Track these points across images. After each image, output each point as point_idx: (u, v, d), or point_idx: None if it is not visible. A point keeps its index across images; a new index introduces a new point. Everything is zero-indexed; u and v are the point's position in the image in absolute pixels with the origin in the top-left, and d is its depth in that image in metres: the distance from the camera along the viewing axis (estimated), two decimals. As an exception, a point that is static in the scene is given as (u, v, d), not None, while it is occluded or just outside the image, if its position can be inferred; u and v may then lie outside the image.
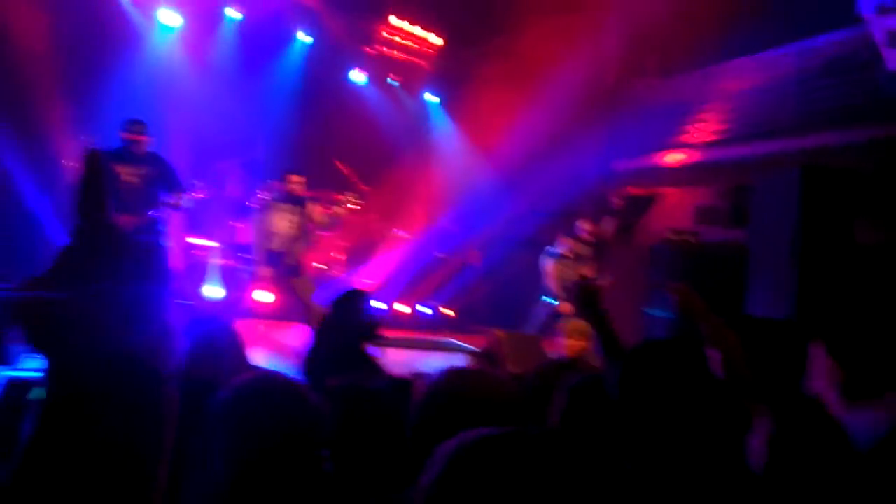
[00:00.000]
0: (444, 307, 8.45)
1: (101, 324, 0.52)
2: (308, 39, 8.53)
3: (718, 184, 7.49)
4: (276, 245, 5.90)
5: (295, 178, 5.96)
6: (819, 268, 4.25)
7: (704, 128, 7.79)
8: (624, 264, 6.68)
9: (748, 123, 7.24)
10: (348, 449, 1.56)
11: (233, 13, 7.96)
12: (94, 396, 0.50)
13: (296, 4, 8.38)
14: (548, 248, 6.39)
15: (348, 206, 6.22)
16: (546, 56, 7.39)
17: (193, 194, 5.49)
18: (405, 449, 1.39)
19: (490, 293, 8.31)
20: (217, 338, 1.88)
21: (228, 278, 7.05)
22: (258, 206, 6.16)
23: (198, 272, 7.00)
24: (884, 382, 1.65)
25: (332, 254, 7.90)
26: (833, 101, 6.31)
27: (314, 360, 2.90)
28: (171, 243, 5.94)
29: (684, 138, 7.96)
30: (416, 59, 9.35)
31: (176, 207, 5.52)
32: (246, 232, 6.74)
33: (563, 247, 6.32)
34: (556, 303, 6.15)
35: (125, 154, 5.28)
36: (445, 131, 9.44)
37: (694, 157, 7.78)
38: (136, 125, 5.29)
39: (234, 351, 1.84)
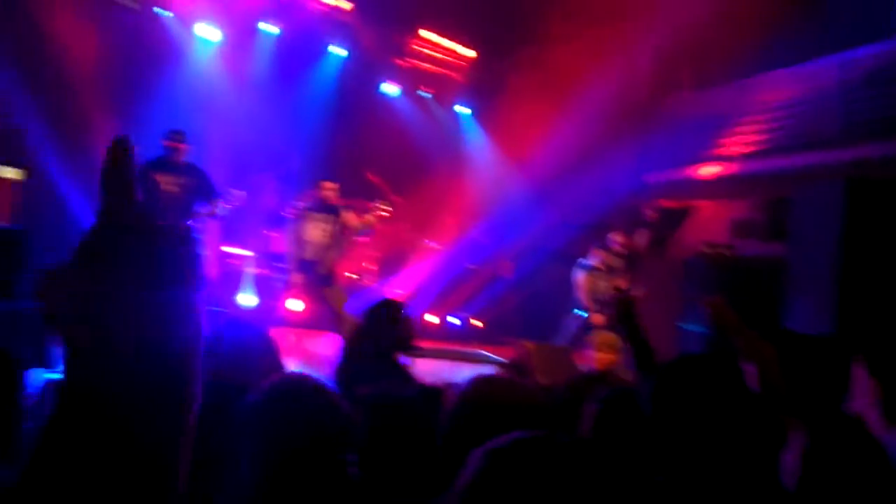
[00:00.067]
0: (473, 318, 8.43)
1: (132, 323, 0.53)
2: (342, 53, 8.66)
3: (755, 197, 7.36)
4: (308, 254, 5.98)
5: (328, 184, 6.05)
6: (861, 283, 4.15)
7: (741, 140, 7.66)
8: (656, 277, 6.60)
9: (787, 135, 7.11)
10: (378, 457, 1.56)
11: (269, 28, 8.14)
12: (114, 395, 0.51)
13: (330, 19, 8.52)
14: (580, 259, 6.34)
15: (380, 213, 6.27)
16: (579, 68, 7.36)
17: (229, 203, 5.61)
18: (435, 457, 1.40)
19: (521, 305, 8.27)
20: (251, 343, 1.91)
21: (262, 287, 7.16)
22: (292, 216, 6.26)
23: (232, 281, 7.12)
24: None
25: (363, 264, 7.96)
26: (874, 113, 6.17)
27: (346, 369, 2.91)
28: (206, 252, 6.06)
29: (720, 150, 7.84)
30: (447, 72, 9.41)
31: (212, 216, 5.67)
32: (280, 241, 6.84)
33: (595, 259, 6.27)
34: (587, 315, 6.10)
35: (165, 163, 5.49)
36: (477, 143, 9.47)
37: (730, 169, 7.65)
38: (176, 134, 5.55)
39: (268, 357, 1.86)
